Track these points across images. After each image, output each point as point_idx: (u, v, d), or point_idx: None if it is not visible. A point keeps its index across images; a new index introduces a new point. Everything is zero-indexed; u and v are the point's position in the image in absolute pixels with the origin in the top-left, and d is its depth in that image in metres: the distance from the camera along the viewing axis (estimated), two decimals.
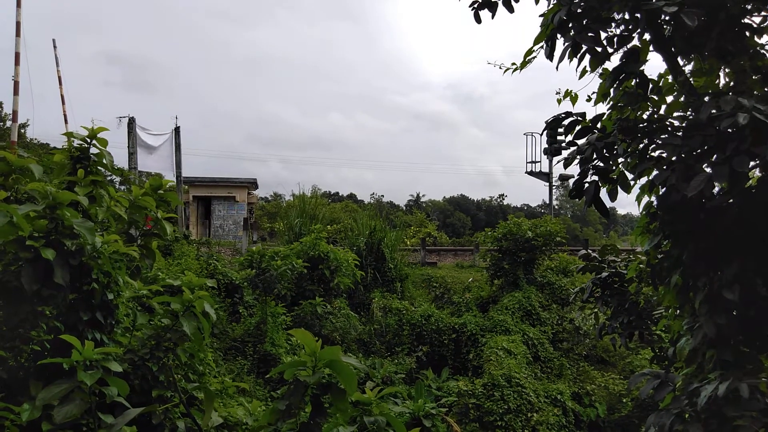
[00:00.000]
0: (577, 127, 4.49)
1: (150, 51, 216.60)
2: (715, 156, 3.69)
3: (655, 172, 4.09)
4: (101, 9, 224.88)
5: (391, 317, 18.27)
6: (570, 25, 4.25)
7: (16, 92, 20.25)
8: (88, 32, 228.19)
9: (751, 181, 4.08)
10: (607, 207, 4.40)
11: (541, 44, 4.64)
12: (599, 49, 4.30)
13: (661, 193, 4.23)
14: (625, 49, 4.34)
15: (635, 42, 4.37)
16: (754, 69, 4.35)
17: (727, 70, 4.57)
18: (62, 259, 3.64)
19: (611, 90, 4.47)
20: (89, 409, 3.35)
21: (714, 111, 3.67)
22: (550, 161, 30.03)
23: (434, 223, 49.48)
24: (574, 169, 4.38)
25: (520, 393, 15.20)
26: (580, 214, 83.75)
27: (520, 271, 19.95)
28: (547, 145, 4.77)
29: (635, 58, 4.33)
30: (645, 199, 4.54)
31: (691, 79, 4.52)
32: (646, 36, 4.40)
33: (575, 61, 4.36)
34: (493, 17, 5.07)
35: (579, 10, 4.22)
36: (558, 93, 5.33)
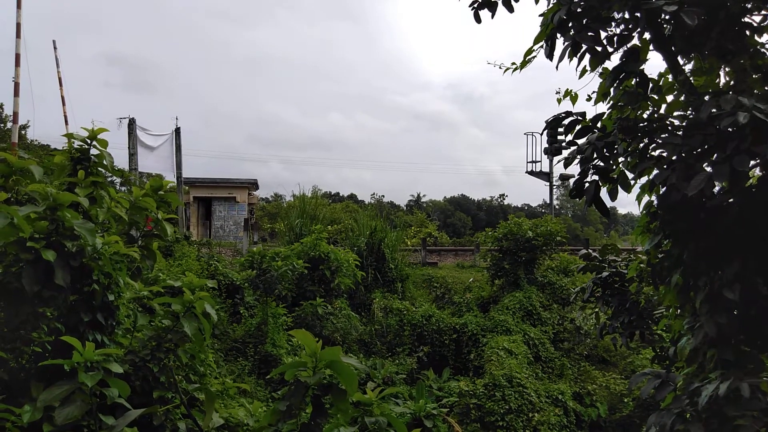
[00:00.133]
0: (578, 127, 4.49)
1: (150, 51, 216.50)
2: (715, 155, 3.69)
3: (655, 172, 4.08)
4: (101, 9, 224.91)
5: (392, 317, 18.27)
6: (570, 24, 4.25)
7: (16, 94, 20.26)
8: (88, 33, 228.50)
9: (751, 180, 4.08)
10: (608, 206, 4.41)
11: (540, 44, 4.64)
12: (599, 49, 4.30)
13: (661, 192, 4.22)
14: (625, 48, 4.34)
15: (635, 41, 4.37)
16: (754, 68, 4.35)
17: (727, 69, 4.57)
18: (63, 261, 3.64)
19: (611, 89, 4.47)
20: (90, 411, 3.35)
21: (714, 110, 3.66)
22: (551, 161, 30.09)
23: (435, 223, 49.39)
24: (575, 169, 4.38)
25: (521, 393, 15.20)
26: (581, 213, 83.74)
27: (521, 271, 19.96)
28: (547, 145, 4.77)
29: (635, 57, 4.33)
30: (645, 199, 4.53)
31: (691, 78, 4.52)
32: (646, 35, 4.39)
33: (575, 60, 4.36)
34: (492, 17, 5.07)
35: (579, 10, 4.22)
36: (558, 93, 5.32)
